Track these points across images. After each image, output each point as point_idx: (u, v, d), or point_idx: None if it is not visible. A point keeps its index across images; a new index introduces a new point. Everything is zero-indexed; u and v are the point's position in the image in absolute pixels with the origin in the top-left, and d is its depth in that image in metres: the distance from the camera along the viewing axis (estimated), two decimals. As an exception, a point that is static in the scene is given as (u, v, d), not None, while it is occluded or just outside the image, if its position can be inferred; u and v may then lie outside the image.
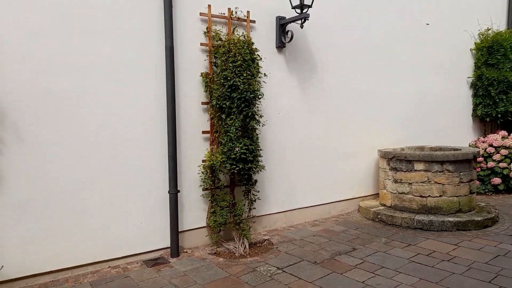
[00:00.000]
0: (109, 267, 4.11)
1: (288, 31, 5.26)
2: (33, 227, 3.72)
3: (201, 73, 4.67)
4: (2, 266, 3.49)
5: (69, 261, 3.91)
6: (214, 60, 4.69)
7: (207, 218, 4.73)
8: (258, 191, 5.01)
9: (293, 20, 5.12)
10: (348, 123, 6.22)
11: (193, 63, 4.63)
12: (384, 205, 6.08)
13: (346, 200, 6.29)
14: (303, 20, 5.08)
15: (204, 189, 4.68)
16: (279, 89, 5.36)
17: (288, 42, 5.30)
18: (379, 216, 5.75)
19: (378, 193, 6.51)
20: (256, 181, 4.83)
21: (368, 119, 6.46)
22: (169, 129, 4.38)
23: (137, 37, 4.23)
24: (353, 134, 6.29)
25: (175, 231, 4.40)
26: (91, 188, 4.02)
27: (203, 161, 4.68)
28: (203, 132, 4.72)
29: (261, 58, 4.78)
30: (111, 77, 4.09)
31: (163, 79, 4.39)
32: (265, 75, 4.95)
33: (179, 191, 4.47)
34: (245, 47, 4.49)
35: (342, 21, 6.05)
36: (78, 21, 3.89)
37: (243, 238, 4.61)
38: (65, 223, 3.88)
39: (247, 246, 4.56)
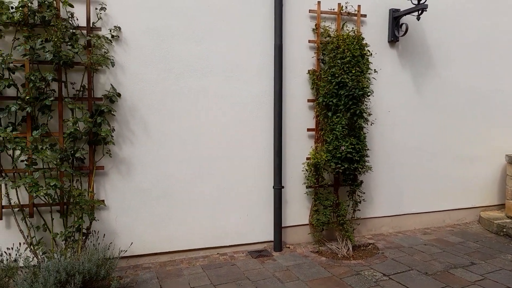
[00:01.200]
0: (217, 254, 4.39)
1: (402, 24, 4.93)
2: (154, 211, 4.16)
3: (308, 70, 4.66)
4: (132, 243, 3.98)
5: (183, 244, 4.28)
6: (322, 57, 4.65)
7: (309, 216, 4.72)
8: (364, 193, 4.82)
9: (408, 12, 4.78)
10: (469, 123, 5.59)
11: (300, 60, 4.65)
12: (511, 217, 5.32)
13: (464, 209, 5.67)
14: (420, 11, 4.71)
15: (307, 187, 4.68)
16: (390, 86, 5.07)
17: (402, 35, 4.97)
18: (504, 230, 5.05)
19: (504, 204, 5.74)
20: (361, 182, 4.66)
21: (493, 120, 5.72)
22: (275, 126, 4.48)
23: (248, 38, 4.42)
24: (475, 136, 5.63)
25: (278, 226, 4.50)
26: (204, 179, 4.33)
27: (307, 158, 4.68)
28: (308, 130, 4.71)
29: (371, 54, 4.58)
30: (224, 76, 4.35)
31: (270, 77, 4.51)
32: (375, 71, 4.72)
33: (283, 187, 4.55)
34: (354, 43, 4.34)
35: (466, 9, 5.44)
36: (198, 26, 4.22)
37: (346, 240, 4.49)
38: (180, 209, 4.26)
39: (351, 248, 4.43)
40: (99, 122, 3.81)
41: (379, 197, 5.13)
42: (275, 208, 4.51)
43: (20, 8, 3.55)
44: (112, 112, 3.92)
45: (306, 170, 4.65)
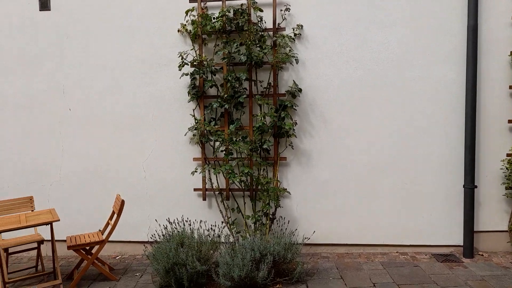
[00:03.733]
0: (397, 252, 4.19)
1: None
2: (331, 203, 4.24)
3: (511, 51, 3.98)
4: (314, 232, 4.15)
5: (359, 238, 4.24)
6: (531, 35, 3.90)
7: (509, 222, 4.05)
8: None
9: None
10: None
11: (500, 41, 4.01)
12: None
13: None
14: None
15: (507, 188, 4.02)
16: None
17: None
18: None
19: None
20: None
21: None
22: (467, 118, 3.98)
23: (435, 21, 4.03)
24: None
25: (469, 230, 4.00)
26: (381, 174, 4.18)
27: (508, 155, 4.01)
28: (509, 121, 4.03)
29: None
30: (407, 65, 4.08)
31: (461, 62, 4.02)
32: None
33: (476, 187, 4.01)
34: None
35: None
36: (377, 14, 4.08)
37: None
38: (357, 203, 4.22)
39: None
40: (282, 117, 4.08)
41: None
42: (465, 210, 4.02)
43: (220, 18, 4.07)
44: (294, 107, 4.15)
45: (507, 168, 3.99)
